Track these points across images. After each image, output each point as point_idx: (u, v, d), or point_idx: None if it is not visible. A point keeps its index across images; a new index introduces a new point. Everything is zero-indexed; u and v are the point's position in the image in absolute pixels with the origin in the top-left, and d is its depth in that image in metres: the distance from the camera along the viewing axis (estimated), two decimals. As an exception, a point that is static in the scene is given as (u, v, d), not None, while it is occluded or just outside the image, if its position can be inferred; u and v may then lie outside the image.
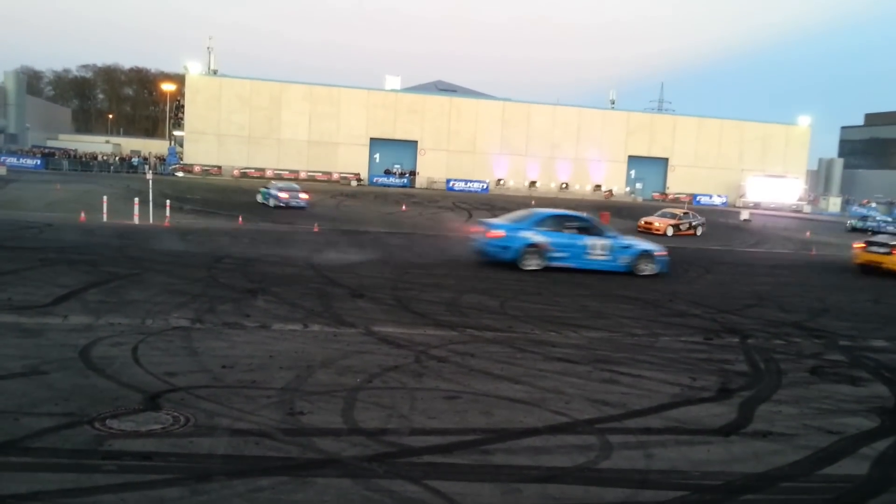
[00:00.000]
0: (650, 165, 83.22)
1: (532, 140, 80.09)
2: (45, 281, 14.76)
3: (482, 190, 74.70)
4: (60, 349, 9.71)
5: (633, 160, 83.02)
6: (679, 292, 19.34)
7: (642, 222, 42.73)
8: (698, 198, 78.23)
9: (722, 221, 55.53)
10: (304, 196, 42.87)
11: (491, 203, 56.60)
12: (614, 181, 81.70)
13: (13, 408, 7.31)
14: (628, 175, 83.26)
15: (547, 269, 21.12)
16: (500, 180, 78.64)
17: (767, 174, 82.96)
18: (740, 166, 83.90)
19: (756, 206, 76.52)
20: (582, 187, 79.96)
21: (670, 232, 41.04)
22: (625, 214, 53.72)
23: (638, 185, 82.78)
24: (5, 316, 11.46)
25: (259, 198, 44.24)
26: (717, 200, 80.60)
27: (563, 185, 79.80)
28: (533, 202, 59.29)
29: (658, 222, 42.03)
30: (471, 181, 75.96)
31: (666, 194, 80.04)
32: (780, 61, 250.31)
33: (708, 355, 11.94)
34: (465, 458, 6.87)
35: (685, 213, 44.67)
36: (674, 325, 14.68)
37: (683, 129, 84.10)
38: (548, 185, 79.23)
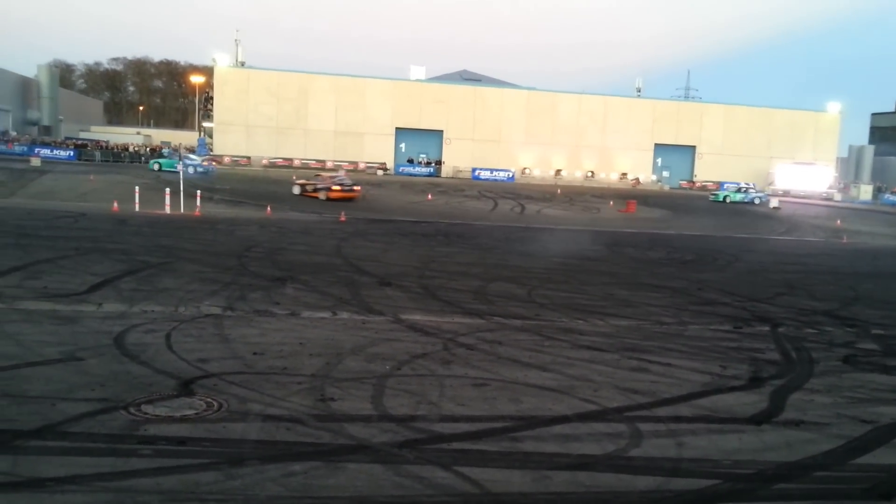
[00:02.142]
0: (677, 153, 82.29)
1: (557, 129, 79.55)
2: (80, 269, 14.95)
3: (508, 179, 74.38)
4: (96, 336, 9.84)
5: (660, 148, 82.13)
6: (708, 280, 19.14)
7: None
8: (726, 185, 77.30)
9: (750, 210, 54.82)
10: (356, 188, 42.65)
11: (516, 192, 56.36)
12: (641, 169, 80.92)
13: (51, 393, 7.42)
14: (655, 163, 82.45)
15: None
16: (525, 169, 78.26)
17: (796, 162, 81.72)
18: (769, 154, 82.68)
19: (785, 194, 75.43)
20: (608, 176, 79.30)
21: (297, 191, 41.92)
22: (651, 203, 53.25)
23: (665, 173, 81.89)
24: (42, 303, 11.63)
25: (296, 190, 43.32)
26: (745, 189, 79.57)
27: (589, 174, 79.23)
28: (559, 191, 58.97)
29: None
30: (496, 170, 75.65)
31: (693, 182, 79.19)
32: (809, 47, 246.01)
33: (738, 344, 11.80)
34: (494, 445, 6.85)
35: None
36: (703, 313, 14.52)
37: (711, 117, 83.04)
38: (573, 173, 78.73)
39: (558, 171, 78.38)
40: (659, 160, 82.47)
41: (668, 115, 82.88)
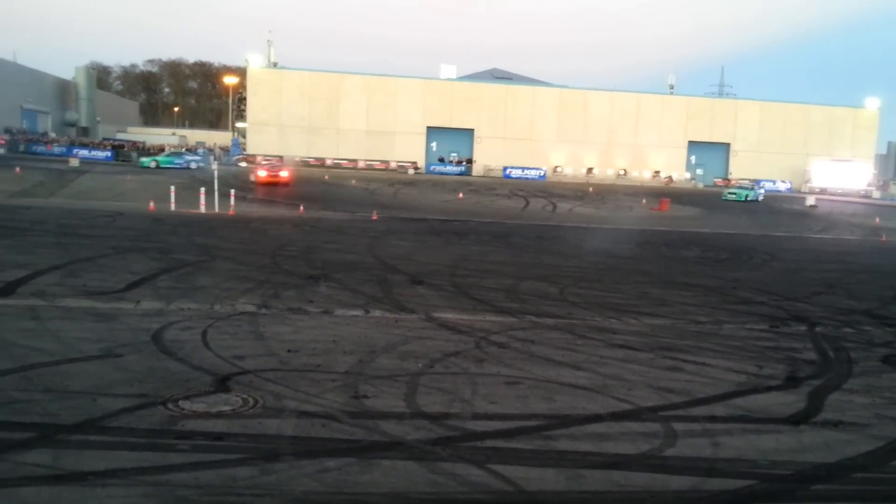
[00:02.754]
0: (711, 151, 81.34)
1: (589, 127, 79.09)
2: (118, 268, 15.21)
3: (539, 177, 74.12)
4: (134, 333, 10.00)
5: (694, 145, 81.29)
6: (743, 279, 18.90)
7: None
8: (762, 183, 76.26)
9: (787, 208, 54.05)
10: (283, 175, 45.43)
11: (548, 191, 56.15)
12: (674, 167, 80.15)
13: (91, 389, 7.56)
14: (688, 161, 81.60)
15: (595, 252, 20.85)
16: (556, 167, 77.93)
17: (834, 159, 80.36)
18: (805, 151, 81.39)
19: (822, 191, 74.22)
20: (640, 174, 78.66)
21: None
22: (685, 201, 52.72)
23: (699, 171, 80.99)
24: (81, 301, 11.85)
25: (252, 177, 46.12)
26: (781, 186, 78.38)
27: (622, 172, 78.65)
28: (591, 189, 58.64)
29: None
30: (527, 168, 75.44)
31: (728, 180, 78.18)
32: (847, 42, 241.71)
33: (775, 343, 11.64)
34: (527, 444, 6.84)
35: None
36: (738, 312, 14.35)
37: (745, 114, 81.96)
38: (605, 171, 78.22)
39: (590, 170, 77.93)
40: (693, 158, 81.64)
41: (702, 112, 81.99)
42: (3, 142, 71.15)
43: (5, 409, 6.92)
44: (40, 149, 68.84)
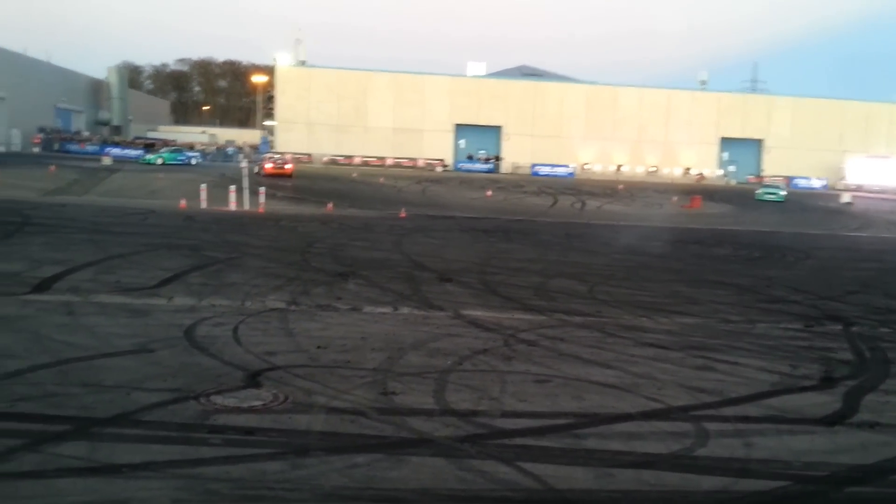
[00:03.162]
0: (743, 147, 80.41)
1: (619, 123, 78.58)
2: (151, 264, 15.43)
3: (567, 175, 73.79)
4: (167, 328, 10.15)
5: (726, 142, 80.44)
6: (776, 278, 18.68)
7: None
8: (795, 180, 75.24)
9: (821, 205, 53.29)
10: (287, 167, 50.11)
11: (577, 188, 55.93)
12: (705, 164, 79.36)
13: (125, 383, 7.69)
14: (720, 157, 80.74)
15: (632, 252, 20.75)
16: (585, 165, 77.54)
17: (870, 156, 79.01)
18: (841, 147, 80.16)
19: (858, 188, 73.02)
20: (671, 171, 77.99)
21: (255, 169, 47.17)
22: (717, 198, 52.22)
23: (731, 168, 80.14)
24: (115, 297, 12.05)
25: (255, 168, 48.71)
26: (815, 183, 77.28)
27: (652, 169, 78.04)
28: (620, 186, 58.27)
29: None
30: (556, 166, 75.17)
31: (761, 177, 77.25)
32: (883, 37, 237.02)
33: (809, 343, 11.49)
34: (557, 442, 6.84)
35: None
36: (771, 311, 14.19)
37: (779, 110, 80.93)
38: (635, 168, 77.67)
39: (619, 167, 77.48)
40: (724, 154, 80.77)
41: (735, 108, 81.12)
42: (38, 140, 72.42)
43: (42, 402, 7.07)
44: (74, 147, 69.98)
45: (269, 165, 50.17)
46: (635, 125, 78.64)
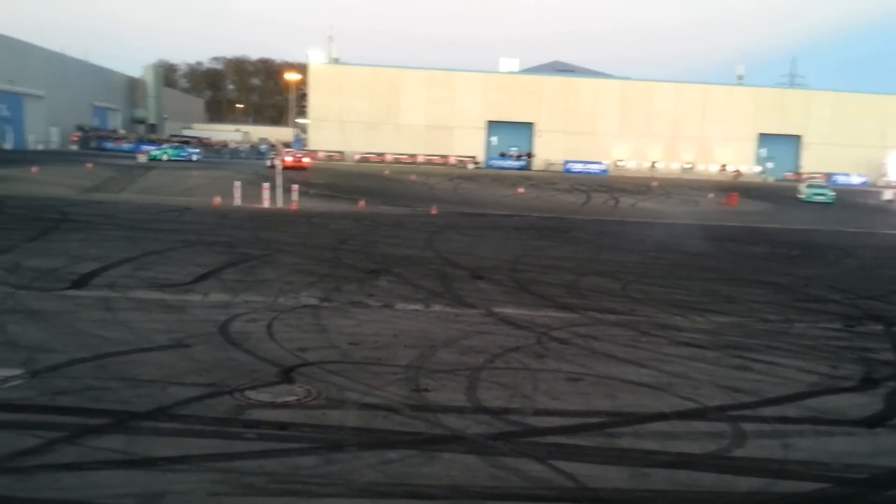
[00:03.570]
0: (781, 143, 79.12)
1: (653, 119, 77.79)
2: (186, 261, 15.65)
3: (601, 172, 73.24)
4: (202, 324, 10.30)
5: (763, 138, 79.20)
6: (815, 276, 18.39)
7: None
8: (835, 177, 73.90)
9: (862, 202, 52.29)
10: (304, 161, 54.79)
11: (610, 185, 55.52)
12: (742, 160, 78.26)
13: (161, 378, 7.82)
14: (757, 154, 79.59)
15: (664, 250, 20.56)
16: (619, 161, 76.92)
17: (913, 152, 77.33)
18: (882, 143, 78.51)
19: (899, 186, 71.51)
20: (707, 167, 77.04)
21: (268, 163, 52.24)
22: (754, 195, 51.49)
23: (769, 165, 78.94)
24: (152, 293, 12.25)
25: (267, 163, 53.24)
26: (855, 180, 75.82)
27: (687, 166, 77.16)
28: (655, 184, 57.74)
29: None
30: (589, 163, 74.63)
31: (799, 173, 76.00)
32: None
33: (849, 343, 11.30)
34: (590, 441, 6.82)
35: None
36: (810, 310, 13.98)
37: (818, 105, 79.47)
38: (670, 165, 76.86)
39: (654, 164, 76.72)
40: (762, 151, 79.60)
41: (772, 103, 79.83)
42: (75, 138, 73.78)
43: (81, 395, 7.21)
44: (110, 145, 71.21)
45: (288, 158, 54.09)
46: (670, 121, 77.79)
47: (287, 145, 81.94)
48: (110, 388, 7.44)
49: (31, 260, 14.72)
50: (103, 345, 9.03)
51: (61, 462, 5.72)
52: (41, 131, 72.39)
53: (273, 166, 49.86)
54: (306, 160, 56.23)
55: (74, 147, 72.32)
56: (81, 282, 12.91)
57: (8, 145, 65.62)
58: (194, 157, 59.30)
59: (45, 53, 75.36)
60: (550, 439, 6.78)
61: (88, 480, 5.44)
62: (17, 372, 7.76)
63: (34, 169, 39.41)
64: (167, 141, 75.74)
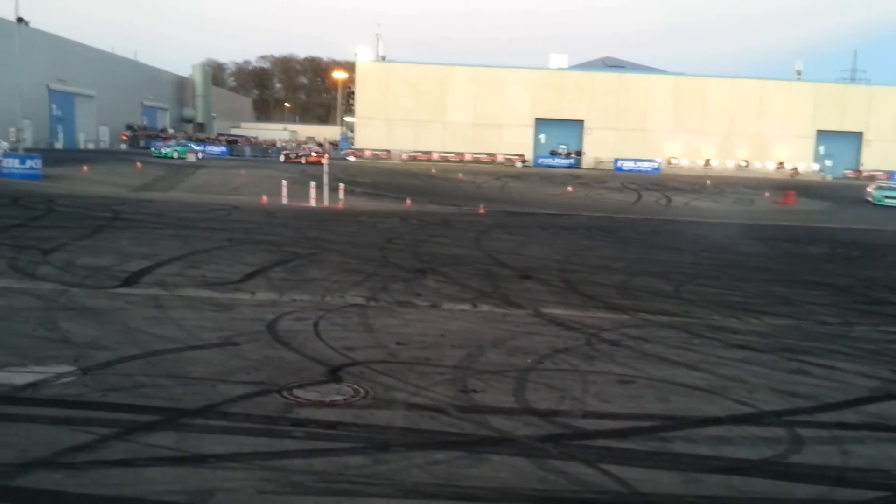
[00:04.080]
0: (841, 141, 77.20)
1: (708, 116, 76.57)
2: (234, 259, 15.93)
3: (653, 170, 72.39)
4: (250, 322, 10.47)
5: (822, 135, 77.40)
6: (877, 278, 17.94)
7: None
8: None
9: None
10: (323, 157, 56.13)
11: (662, 183, 54.87)
12: (800, 158, 76.58)
13: (211, 375, 7.98)
14: (816, 151, 77.80)
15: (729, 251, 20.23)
16: (671, 159, 75.92)
17: (983, 148, 74.78)
18: (948, 140, 76.13)
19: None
20: (763, 165, 75.58)
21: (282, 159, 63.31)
22: (812, 194, 50.39)
23: (827, 163, 77.12)
24: (201, 291, 12.51)
25: (281, 158, 61.94)
26: (920, 178, 73.64)
27: (742, 163, 75.80)
28: (709, 182, 56.88)
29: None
30: (640, 161, 73.81)
31: (860, 171, 74.13)
32: None
33: (912, 347, 11.02)
34: (641, 445, 6.76)
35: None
36: (871, 313, 13.65)
37: (880, 100, 77.31)
38: (725, 163, 75.58)
39: (708, 161, 75.53)
40: (821, 148, 77.79)
41: (832, 99, 77.93)
42: (125, 138, 75.57)
43: (132, 392, 7.39)
44: (159, 144, 72.66)
45: (314, 154, 63.57)
46: (725, 118, 76.47)
47: (335, 144, 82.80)
48: (160, 385, 7.61)
49: (82, 258, 15.13)
50: (153, 342, 9.24)
51: (113, 458, 5.85)
52: (91, 130, 74.34)
53: (287, 160, 59.50)
54: (326, 156, 62.68)
55: (124, 146, 74.12)
56: (132, 280, 13.23)
57: (59, 144, 67.52)
58: (200, 156, 60.48)
59: (94, 53, 77.32)
60: (601, 442, 6.74)
61: (139, 477, 5.57)
62: (70, 368, 7.97)
63: (85, 168, 40.52)
64: (216, 140, 77.16)
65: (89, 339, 9.25)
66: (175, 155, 57.93)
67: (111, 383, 7.60)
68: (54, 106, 68.85)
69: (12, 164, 36.35)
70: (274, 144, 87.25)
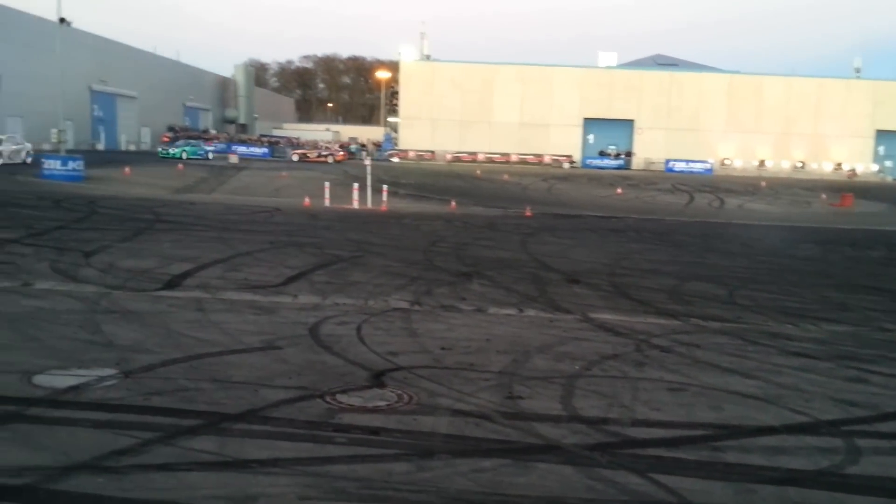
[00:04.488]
0: (902, 141, 75.35)
1: (762, 115, 75.35)
2: (276, 262, 16.14)
3: (705, 171, 71.48)
4: (292, 326, 10.60)
5: (882, 135, 75.59)
6: (942, 284, 17.48)
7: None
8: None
9: None
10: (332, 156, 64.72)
11: (715, 185, 54.12)
12: (858, 159, 74.93)
13: (253, 380, 8.09)
14: (875, 152, 75.99)
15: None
16: (724, 160, 74.86)
17: None
18: None
19: None
20: (820, 166, 74.12)
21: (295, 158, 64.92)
22: (871, 196, 49.23)
23: (887, 163, 75.31)
24: (243, 294, 12.69)
25: (294, 157, 63.34)
26: None
27: (799, 164, 74.41)
28: (763, 183, 55.96)
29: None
30: (692, 161, 72.95)
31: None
32: None
33: (981, 356, 10.70)
34: (693, 454, 6.68)
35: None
36: (936, 320, 13.29)
37: (945, 98, 75.27)
38: (780, 164, 74.26)
39: (762, 162, 74.37)
40: (880, 148, 75.95)
41: (892, 97, 76.02)
42: (167, 139, 77.00)
43: (175, 396, 7.53)
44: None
45: (340, 153, 67.72)
46: (781, 117, 75.18)
47: (378, 145, 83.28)
48: (203, 389, 7.74)
49: (124, 260, 15.44)
50: (195, 346, 9.40)
51: (155, 462, 5.95)
52: (133, 132, 75.98)
53: (302, 160, 61.57)
54: (341, 153, 68.82)
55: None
56: (174, 282, 13.48)
57: (100, 146, 69.07)
58: (210, 156, 60.11)
59: (136, 53, 79.00)
60: (651, 451, 6.68)
61: (182, 481, 5.67)
62: (112, 372, 8.14)
63: (127, 169, 41.37)
64: (258, 141, 78.16)
65: (131, 343, 9.43)
66: (184, 156, 56.64)
67: (153, 387, 7.74)
68: (96, 107, 70.46)
69: (54, 165, 36.99)
70: (316, 146, 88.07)
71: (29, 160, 42.82)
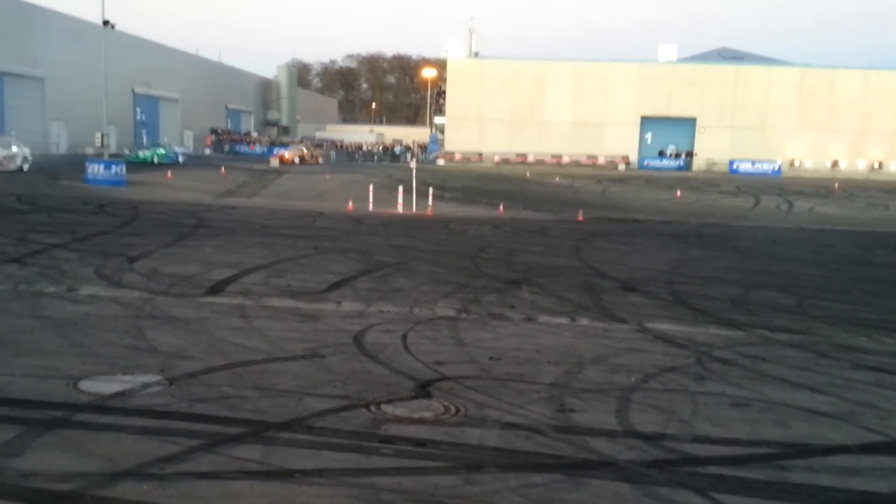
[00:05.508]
0: None
1: (837, 112, 73.81)
2: (319, 268, 16.39)
3: (772, 172, 70.33)
4: (336, 334, 10.77)
5: (972, 132, 73.54)
6: None
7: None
8: None
9: None
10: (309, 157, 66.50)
11: (783, 187, 53.25)
12: (943, 158, 72.99)
13: (297, 388, 8.26)
14: (962, 150, 73.94)
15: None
16: (794, 160, 73.55)
17: None
18: None
19: None
20: (900, 167, 72.36)
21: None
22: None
23: (975, 162, 73.21)
24: (286, 301, 12.92)
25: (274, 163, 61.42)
26: None
27: (876, 165, 72.74)
28: (836, 185, 54.87)
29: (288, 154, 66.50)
30: (759, 162, 71.83)
31: None
32: None
33: None
34: (757, 473, 6.63)
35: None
36: None
37: None
38: (855, 164, 72.66)
39: (836, 163, 72.86)
40: (968, 146, 73.84)
41: (981, 90, 73.89)
42: (209, 142, 78.46)
43: (218, 404, 7.73)
44: (243, 148, 75.27)
45: (287, 154, 68.11)
46: (857, 114, 73.56)
47: (423, 147, 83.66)
48: (246, 397, 7.92)
49: (167, 265, 15.84)
50: (239, 353, 9.62)
51: (200, 470, 6.12)
52: (175, 135, 77.54)
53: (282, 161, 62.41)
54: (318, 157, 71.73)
55: (208, 151, 76.95)
56: (217, 288, 13.78)
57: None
58: (180, 159, 57.87)
59: (179, 55, 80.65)
60: (712, 469, 6.66)
61: (226, 490, 5.82)
62: (156, 378, 8.39)
63: (169, 174, 42.30)
64: (299, 144, 79.19)
65: (175, 349, 9.69)
66: (155, 160, 54.48)
67: (197, 394, 7.96)
68: (139, 110, 72.10)
69: (97, 170, 38.01)
70: (360, 147, 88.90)
71: (26, 167, 39.91)
